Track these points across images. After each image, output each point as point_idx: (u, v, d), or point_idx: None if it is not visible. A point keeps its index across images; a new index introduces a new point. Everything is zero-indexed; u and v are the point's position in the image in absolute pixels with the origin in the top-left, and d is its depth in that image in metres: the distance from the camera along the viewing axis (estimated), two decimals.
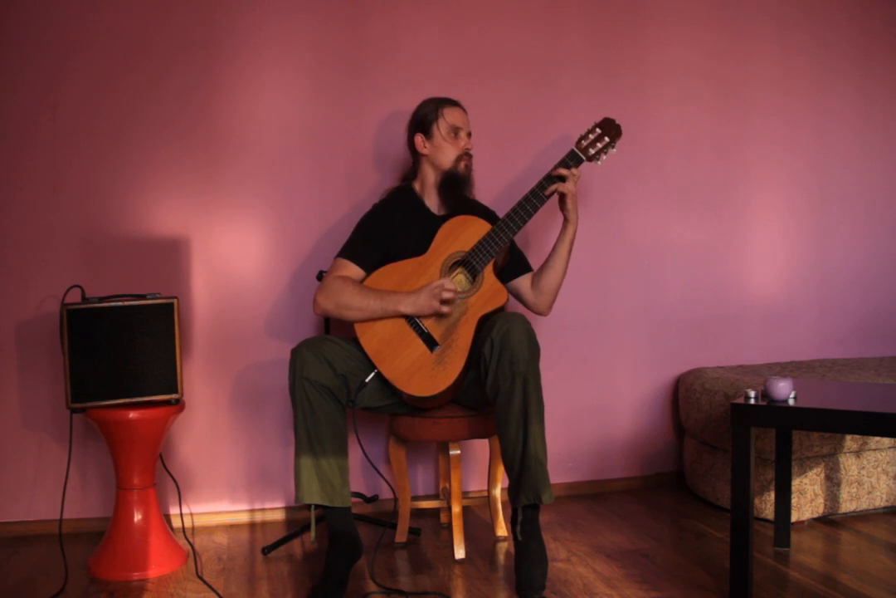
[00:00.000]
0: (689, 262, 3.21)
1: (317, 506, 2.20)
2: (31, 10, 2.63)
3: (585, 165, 2.38)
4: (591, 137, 2.35)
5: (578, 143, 2.35)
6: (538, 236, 2.98)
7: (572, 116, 3.04)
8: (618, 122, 2.38)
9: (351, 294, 2.27)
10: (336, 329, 2.70)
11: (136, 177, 2.72)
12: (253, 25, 2.78)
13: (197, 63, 2.74)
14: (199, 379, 2.77)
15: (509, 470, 2.17)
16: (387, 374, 2.24)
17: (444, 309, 2.23)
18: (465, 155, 2.44)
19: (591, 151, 2.35)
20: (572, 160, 2.33)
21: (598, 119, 2.39)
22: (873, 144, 3.43)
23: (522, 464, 2.12)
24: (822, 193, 3.37)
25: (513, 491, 2.16)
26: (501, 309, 2.35)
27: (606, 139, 2.36)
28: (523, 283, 2.50)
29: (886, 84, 3.44)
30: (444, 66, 2.92)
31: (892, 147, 3.46)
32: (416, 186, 2.51)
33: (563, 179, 2.31)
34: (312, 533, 2.56)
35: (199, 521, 2.79)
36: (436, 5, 2.92)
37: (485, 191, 2.72)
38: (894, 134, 3.46)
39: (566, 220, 2.40)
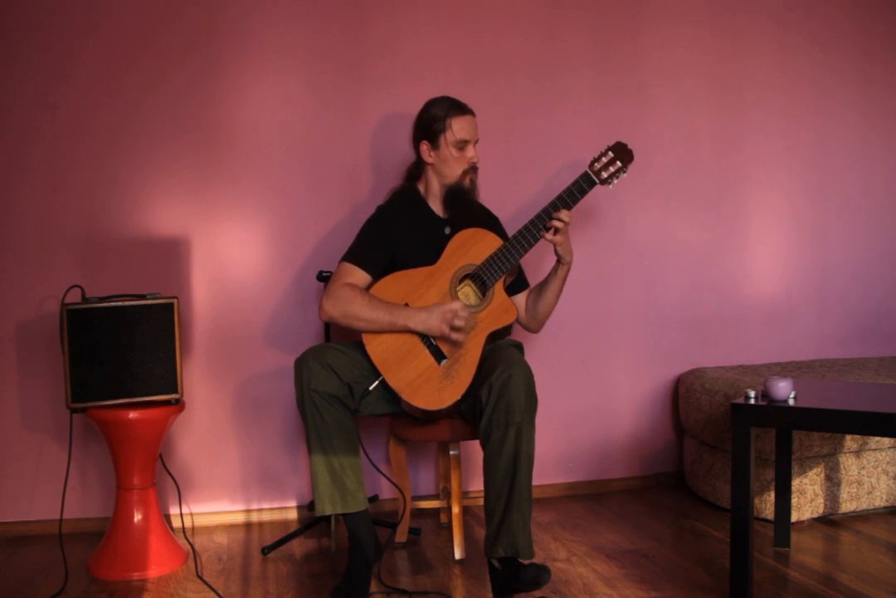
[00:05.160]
0: (689, 262, 3.21)
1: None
2: (32, 10, 2.63)
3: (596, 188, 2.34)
4: (604, 159, 2.31)
5: (591, 165, 2.31)
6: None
7: (572, 116, 3.05)
8: (630, 146, 2.34)
9: (360, 305, 2.21)
10: (337, 334, 2.69)
11: (136, 177, 2.72)
12: (253, 27, 2.78)
13: (197, 63, 2.74)
14: (199, 379, 2.77)
15: (489, 518, 2.09)
16: (393, 384, 2.20)
17: (454, 336, 2.18)
18: (471, 169, 2.38)
19: (604, 175, 2.31)
20: (585, 183, 2.29)
21: (611, 143, 2.34)
22: (873, 144, 3.43)
23: (504, 516, 2.05)
24: (822, 193, 3.38)
25: (490, 540, 2.08)
26: (510, 327, 2.36)
27: (619, 164, 2.32)
28: (520, 300, 2.49)
29: (886, 84, 3.44)
30: (442, 67, 2.92)
31: (892, 147, 3.46)
32: (421, 187, 2.46)
33: (556, 230, 2.28)
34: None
35: (199, 521, 2.79)
36: (435, 8, 2.92)
37: (486, 188, 2.70)
38: (894, 134, 3.46)
39: (559, 262, 2.35)
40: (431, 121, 2.36)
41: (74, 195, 2.69)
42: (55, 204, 2.68)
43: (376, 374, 2.22)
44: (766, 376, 2.59)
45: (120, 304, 2.33)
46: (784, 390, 2.07)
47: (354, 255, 2.33)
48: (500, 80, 2.98)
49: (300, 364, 2.15)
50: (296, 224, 2.84)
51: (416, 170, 2.47)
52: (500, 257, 2.28)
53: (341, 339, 2.51)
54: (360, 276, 2.29)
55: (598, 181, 2.31)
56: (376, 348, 2.22)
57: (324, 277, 2.58)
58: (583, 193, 2.30)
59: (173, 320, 2.37)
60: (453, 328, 2.18)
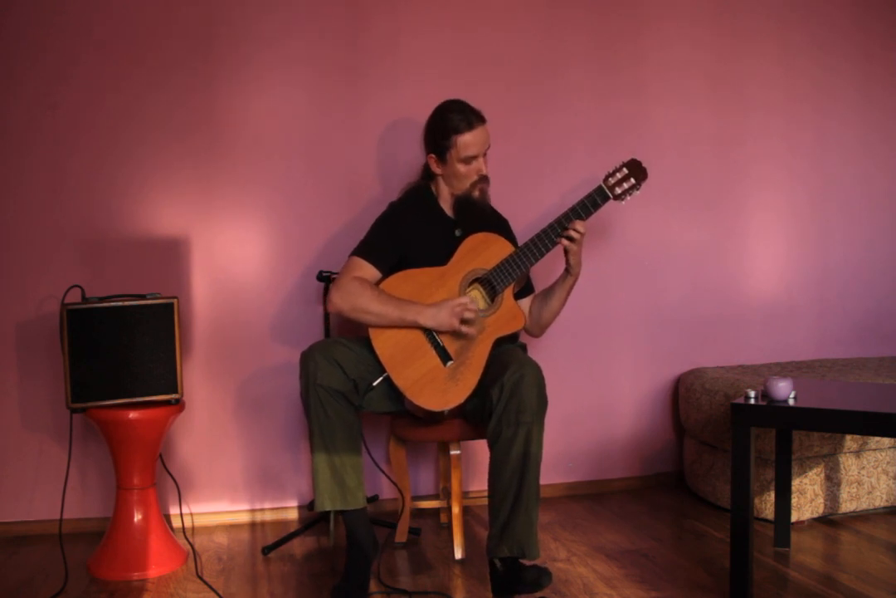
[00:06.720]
0: (689, 262, 3.21)
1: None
2: (32, 10, 2.63)
3: (609, 204, 2.34)
4: (619, 175, 2.31)
5: (606, 180, 2.31)
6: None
7: (572, 116, 3.04)
8: (644, 165, 2.34)
9: (369, 299, 2.21)
10: (339, 332, 2.69)
11: (136, 177, 2.72)
12: (254, 26, 2.77)
13: (198, 63, 2.74)
14: (199, 379, 2.77)
15: (494, 517, 2.08)
16: (398, 382, 2.20)
17: (464, 330, 2.19)
18: (480, 180, 2.35)
19: (618, 191, 2.31)
20: (599, 196, 2.30)
21: (626, 159, 2.34)
22: (873, 143, 3.43)
23: (510, 516, 2.05)
24: (822, 193, 3.37)
25: (493, 540, 2.07)
26: (517, 334, 2.36)
27: (633, 181, 2.31)
28: (524, 305, 2.48)
29: (886, 84, 3.44)
30: (442, 66, 2.92)
31: (892, 147, 3.46)
32: (434, 187, 2.45)
33: (571, 239, 2.28)
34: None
35: (199, 521, 2.79)
36: (434, 10, 2.91)
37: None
38: (894, 134, 3.46)
39: (568, 272, 2.36)
40: (438, 135, 2.32)
41: (74, 195, 2.69)
42: (55, 204, 2.67)
43: (381, 371, 2.22)
44: (766, 376, 2.59)
45: (120, 304, 2.33)
46: (784, 390, 2.07)
47: (365, 250, 2.33)
48: (498, 80, 2.97)
49: (306, 358, 2.14)
50: (297, 224, 2.84)
51: (430, 170, 2.44)
52: (511, 264, 2.28)
53: (345, 334, 2.50)
54: (369, 271, 2.29)
55: (611, 196, 2.31)
56: (383, 343, 2.22)
57: (324, 278, 2.58)
58: (596, 206, 2.29)
59: (173, 320, 2.37)
60: (464, 321, 2.18)
